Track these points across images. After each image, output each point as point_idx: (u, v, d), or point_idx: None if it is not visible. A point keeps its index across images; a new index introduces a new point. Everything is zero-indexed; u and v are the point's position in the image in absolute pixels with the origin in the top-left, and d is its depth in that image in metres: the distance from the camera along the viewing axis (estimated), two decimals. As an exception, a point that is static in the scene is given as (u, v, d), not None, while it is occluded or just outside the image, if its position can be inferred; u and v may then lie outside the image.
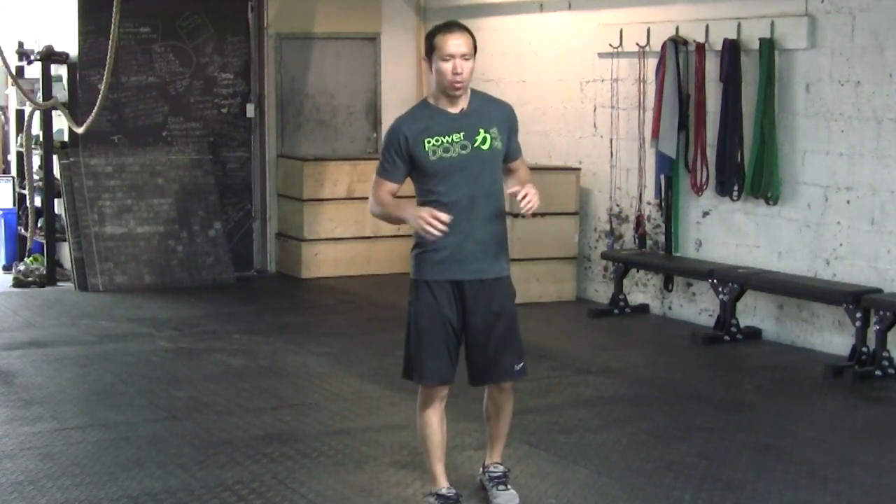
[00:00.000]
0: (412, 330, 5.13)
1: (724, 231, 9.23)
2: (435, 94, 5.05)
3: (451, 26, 5.00)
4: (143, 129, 11.45)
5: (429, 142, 4.96)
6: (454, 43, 4.92)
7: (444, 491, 5.24)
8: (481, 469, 5.49)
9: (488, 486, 5.37)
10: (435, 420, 5.17)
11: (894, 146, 7.97)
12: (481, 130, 5.01)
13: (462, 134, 4.99)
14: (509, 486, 5.34)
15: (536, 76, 11.02)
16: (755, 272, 8.70)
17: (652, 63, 9.61)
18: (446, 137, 4.98)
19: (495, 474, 5.37)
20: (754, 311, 8.95)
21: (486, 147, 5.01)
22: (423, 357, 5.08)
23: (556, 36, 10.80)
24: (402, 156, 5.00)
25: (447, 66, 4.91)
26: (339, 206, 11.60)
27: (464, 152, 4.98)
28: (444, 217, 4.82)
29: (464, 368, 5.21)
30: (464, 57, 4.92)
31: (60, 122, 11.34)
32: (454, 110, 5.02)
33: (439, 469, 5.24)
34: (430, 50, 4.97)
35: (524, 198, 4.87)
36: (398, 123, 5.06)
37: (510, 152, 5.15)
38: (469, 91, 5.06)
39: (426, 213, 4.84)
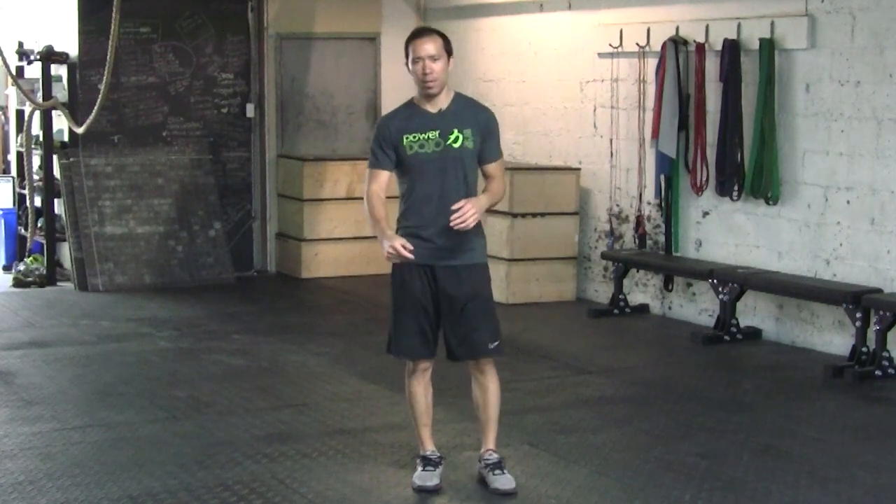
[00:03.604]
0: (392, 309, 5.59)
1: (724, 231, 9.23)
2: (417, 96, 5.47)
3: (420, 31, 5.48)
4: (143, 129, 11.45)
5: (407, 138, 5.39)
6: (421, 46, 5.34)
7: (428, 453, 5.60)
8: (479, 460, 5.61)
9: (485, 473, 5.52)
10: (419, 389, 5.58)
11: (894, 146, 7.97)
12: (455, 130, 5.40)
13: (437, 132, 5.40)
14: (505, 471, 5.50)
15: (536, 76, 11.02)
16: (755, 272, 8.70)
17: (652, 63, 9.61)
18: (423, 135, 5.39)
19: (491, 461, 5.54)
20: (754, 311, 8.95)
21: (457, 145, 5.39)
22: (398, 334, 5.56)
23: (556, 36, 10.80)
24: (389, 146, 5.41)
25: (417, 68, 5.35)
26: (339, 206, 11.60)
27: (437, 149, 5.38)
28: (408, 249, 5.26)
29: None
30: (431, 58, 5.33)
31: (60, 122, 11.34)
32: (433, 110, 5.42)
33: (425, 433, 5.62)
34: (406, 56, 5.41)
35: (458, 216, 5.20)
36: (385, 119, 5.57)
37: (485, 153, 5.50)
38: (452, 93, 5.48)
39: (397, 243, 5.27)
